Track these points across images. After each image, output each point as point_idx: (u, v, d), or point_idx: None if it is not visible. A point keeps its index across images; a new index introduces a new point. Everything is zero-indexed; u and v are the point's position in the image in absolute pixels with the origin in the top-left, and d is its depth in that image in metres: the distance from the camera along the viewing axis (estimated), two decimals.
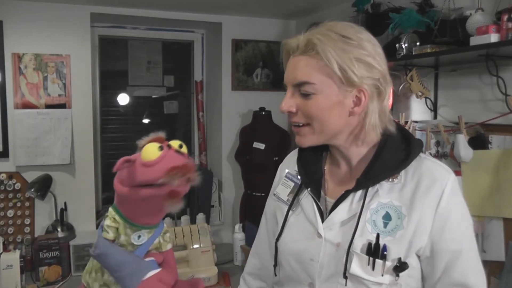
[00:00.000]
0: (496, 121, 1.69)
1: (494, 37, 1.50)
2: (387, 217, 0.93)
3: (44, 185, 2.48)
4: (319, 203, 1.00)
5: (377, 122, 0.95)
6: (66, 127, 2.61)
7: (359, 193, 0.95)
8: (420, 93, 1.92)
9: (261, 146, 2.82)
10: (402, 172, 0.95)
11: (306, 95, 0.93)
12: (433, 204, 0.91)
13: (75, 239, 2.42)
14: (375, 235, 0.91)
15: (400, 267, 0.89)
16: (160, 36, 3.12)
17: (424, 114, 2.06)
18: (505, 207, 1.62)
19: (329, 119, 0.93)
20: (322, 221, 0.98)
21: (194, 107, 3.25)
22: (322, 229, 0.97)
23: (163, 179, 0.81)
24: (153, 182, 0.83)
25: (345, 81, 0.90)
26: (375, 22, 2.03)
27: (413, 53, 1.79)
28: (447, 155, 1.84)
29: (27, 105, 2.54)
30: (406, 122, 1.97)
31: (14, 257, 2.06)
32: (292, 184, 1.08)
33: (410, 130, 1.94)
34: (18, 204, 2.53)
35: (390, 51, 1.85)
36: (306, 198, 1.03)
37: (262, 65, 3.08)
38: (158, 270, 0.91)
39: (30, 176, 2.53)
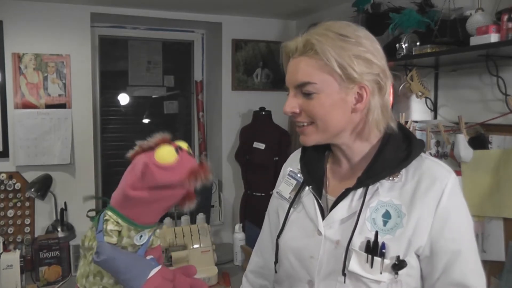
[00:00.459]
0: (496, 121, 1.69)
1: (494, 37, 1.50)
2: (387, 216, 0.93)
3: (44, 185, 2.48)
4: (320, 201, 1.01)
5: (380, 117, 0.96)
6: (66, 127, 2.61)
7: (360, 191, 0.96)
8: (420, 93, 1.92)
9: (261, 146, 2.82)
10: (403, 171, 0.96)
11: (308, 95, 0.94)
12: (433, 203, 0.91)
13: (75, 239, 2.42)
14: (374, 233, 0.92)
15: (399, 265, 0.90)
16: (160, 36, 3.12)
17: (424, 114, 2.06)
18: (505, 207, 1.62)
19: (332, 117, 0.94)
20: (323, 219, 0.99)
21: (194, 107, 3.25)
22: (322, 227, 0.98)
23: (185, 181, 0.84)
24: (175, 184, 0.85)
25: (345, 78, 0.91)
26: (375, 22, 2.03)
27: (413, 53, 1.79)
28: (447, 155, 1.84)
29: (27, 105, 2.54)
30: (406, 122, 1.97)
31: (14, 257, 2.06)
32: (295, 182, 1.09)
33: (410, 130, 1.95)
34: (18, 204, 2.53)
35: (390, 51, 1.85)
36: (308, 196, 1.04)
37: (262, 65, 3.08)
38: (159, 267, 0.91)
39: (30, 176, 2.53)
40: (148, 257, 0.94)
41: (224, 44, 2.99)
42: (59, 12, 2.58)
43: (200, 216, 2.64)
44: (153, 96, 3.26)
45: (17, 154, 2.52)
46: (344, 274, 0.92)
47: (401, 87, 1.99)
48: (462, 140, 1.70)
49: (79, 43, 2.64)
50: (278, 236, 1.07)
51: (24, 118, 2.53)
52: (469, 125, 1.75)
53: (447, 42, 1.71)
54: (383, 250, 0.90)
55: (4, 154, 2.52)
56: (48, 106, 2.58)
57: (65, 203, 2.58)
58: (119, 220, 0.90)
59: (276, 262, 1.07)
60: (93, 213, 0.97)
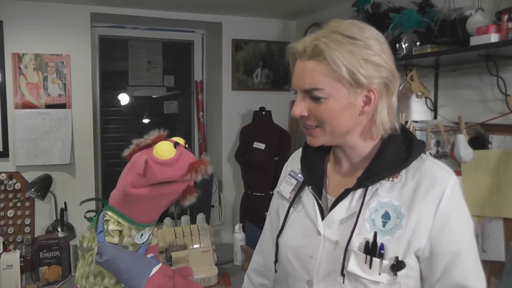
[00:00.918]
0: (496, 121, 1.69)
1: (494, 37, 1.50)
2: (386, 216, 0.93)
3: (44, 185, 2.48)
4: (319, 201, 1.01)
5: (386, 118, 0.96)
6: (66, 127, 2.61)
7: (359, 191, 0.96)
8: (420, 93, 1.92)
9: (261, 146, 2.82)
10: (403, 172, 0.95)
11: (317, 99, 0.93)
12: (433, 205, 0.91)
13: (75, 239, 2.43)
14: (373, 234, 0.92)
15: (397, 266, 0.90)
16: (160, 36, 3.12)
17: (424, 114, 2.06)
18: (505, 207, 1.62)
19: (340, 121, 0.94)
20: (322, 219, 0.99)
21: (194, 107, 3.25)
22: (322, 227, 0.98)
23: (186, 176, 0.85)
24: (176, 179, 0.85)
25: (354, 84, 0.91)
26: (375, 22, 2.02)
27: (413, 53, 1.79)
28: (447, 155, 1.84)
29: (27, 105, 2.54)
30: (406, 122, 1.97)
31: (14, 257, 2.06)
32: (295, 182, 1.10)
33: (410, 130, 1.94)
34: (18, 204, 2.53)
35: None
36: (308, 195, 1.04)
37: (262, 65, 3.08)
38: (160, 264, 0.92)
39: (30, 176, 2.53)
40: (149, 255, 0.95)
41: (224, 44, 2.99)
42: (59, 12, 2.58)
43: (200, 216, 2.64)
44: (153, 96, 3.25)
45: (17, 154, 2.52)
46: (343, 275, 0.92)
47: (401, 87, 1.99)
48: (462, 140, 1.70)
49: (79, 43, 2.64)
50: (278, 236, 1.07)
51: (24, 118, 2.53)
52: (469, 125, 1.75)
53: (447, 42, 1.71)
54: (382, 251, 0.90)
55: (4, 154, 2.52)
56: (48, 106, 2.58)
57: (65, 203, 2.58)
58: (120, 220, 0.90)
59: (276, 261, 1.08)
60: (91, 214, 0.97)
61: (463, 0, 1.79)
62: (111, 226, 0.90)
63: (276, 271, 1.09)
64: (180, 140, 0.90)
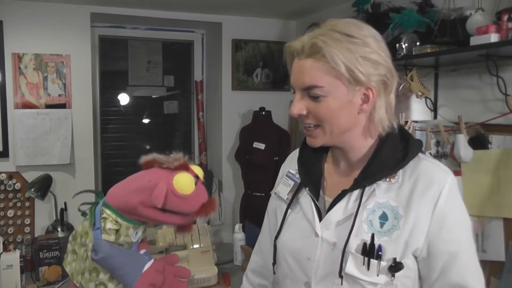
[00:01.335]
0: (496, 121, 1.69)
1: (494, 37, 1.50)
2: (383, 217, 0.93)
3: (44, 185, 2.48)
4: (317, 203, 1.00)
5: (384, 116, 0.96)
6: (66, 127, 2.61)
7: (356, 192, 0.96)
8: (420, 93, 1.92)
9: (261, 146, 2.81)
10: (400, 172, 0.95)
11: (315, 98, 0.93)
12: (430, 205, 0.91)
13: None
14: (370, 235, 0.92)
15: (395, 267, 0.89)
16: (160, 36, 3.12)
17: (424, 114, 2.06)
18: (505, 207, 1.62)
19: (339, 119, 0.94)
20: (320, 220, 0.98)
21: (194, 107, 3.25)
22: (319, 228, 0.98)
23: (196, 215, 0.88)
24: (186, 213, 0.89)
25: (353, 81, 0.91)
26: (375, 22, 2.02)
27: (413, 53, 1.79)
28: (447, 155, 1.84)
29: (27, 105, 2.54)
30: (406, 122, 1.97)
31: (14, 257, 2.06)
32: (292, 183, 1.09)
33: (410, 130, 1.94)
34: (18, 204, 2.53)
35: (390, 51, 1.85)
36: (305, 197, 1.04)
37: (262, 65, 3.08)
38: (152, 260, 0.94)
39: (30, 176, 2.53)
40: (141, 251, 0.96)
41: (224, 44, 2.99)
42: (59, 12, 2.58)
43: None
44: (153, 96, 3.25)
45: (17, 154, 2.52)
46: (340, 276, 0.92)
47: (401, 87, 1.99)
48: (462, 140, 1.70)
49: (79, 43, 2.64)
50: (276, 237, 1.07)
51: (24, 118, 2.53)
52: (469, 125, 1.75)
53: (447, 42, 1.71)
54: (380, 253, 0.90)
55: (4, 154, 2.52)
56: (48, 106, 2.58)
57: (65, 203, 2.58)
58: (118, 219, 0.91)
59: (274, 263, 1.08)
60: (85, 207, 0.97)
61: (463, 0, 1.79)
62: (109, 225, 0.90)
63: (274, 273, 1.09)
64: (200, 173, 0.91)
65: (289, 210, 1.07)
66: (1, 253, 2.09)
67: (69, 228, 2.55)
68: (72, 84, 2.63)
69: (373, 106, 0.94)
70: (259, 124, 2.88)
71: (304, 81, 0.93)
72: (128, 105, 3.17)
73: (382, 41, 0.95)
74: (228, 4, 2.69)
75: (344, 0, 2.42)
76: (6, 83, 2.50)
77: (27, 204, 2.55)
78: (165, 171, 0.88)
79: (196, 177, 0.89)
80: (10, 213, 2.49)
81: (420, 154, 0.98)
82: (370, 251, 0.90)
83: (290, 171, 1.11)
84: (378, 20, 2.01)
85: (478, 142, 1.70)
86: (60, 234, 2.44)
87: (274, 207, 1.14)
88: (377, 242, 0.91)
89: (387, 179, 0.95)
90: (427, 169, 0.94)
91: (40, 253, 2.20)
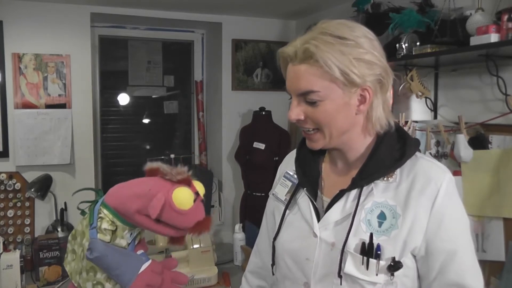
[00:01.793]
0: (496, 121, 1.69)
1: (494, 37, 1.50)
2: (382, 217, 0.93)
3: (44, 185, 2.48)
4: (315, 203, 1.00)
5: (382, 114, 0.96)
6: (66, 127, 2.61)
7: (354, 192, 0.96)
8: (420, 93, 1.92)
9: (261, 146, 2.81)
10: (397, 171, 0.95)
11: (312, 103, 0.93)
12: (428, 204, 0.91)
13: None
14: (369, 234, 0.92)
15: (394, 266, 0.89)
16: (160, 36, 3.12)
17: (424, 114, 2.06)
18: (505, 207, 1.62)
19: (337, 122, 0.94)
20: (318, 221, 0.98)
21: (194, 107, 3.25)
22: (318, 229, 0.98)
23: (189, 232, 0.89)
24: (180, 228, 0.89)
25: (348, 83, 0.91)
26: (375, 22, 2.03)
27: (413, 53, 1.79)
28: (447, 155, 1.84)
29: (27, 105, 2.54)
30: (406, 122, 1.97)
31: (14, 257, 2.06)
32: (290, 184, 1.09)
33: (410, 130, 1.94)
34: (18, 204, 2.53)
35: (390, 51, 1.85)
36: (303, 197, 1.04)
37: (262, 65, 3.08)
38: (150, 261, 0.94)
39: (30, 176, 2.53)
40: (139, 252, 0.96)
41: (224, 44, 2.99)
42: (59, 12, 2.58)
43: None
44: (153, 96, 3.26)
45: (17, 154, 2.52)
46: (340, 276, 0.92)
47: (401, 87, 1.99)
48: (462, 140, 1.70)
49: (79, 43, 2.64)
50: (275, 239, 1.07)
51: (24, 118, 2.53)
52: (469, 125, 1.75)
53: (447, 42, 1.71)
54: (378, 252, 0.90)
55: (4, 154, 2.52)
56: (48, 106, 2.58)
57: (65, 203, 2.58)
58: (115, 220, 0.91)
59: (272, 264, 1.08)
60: (84, 205, 0.97)
61: (463, 0, 1.79)
62: (105, 225, 0.90)
63: (273, 274, 1.09)
64: (201, 190, 0.91)
65: (287, 211, 1.07)
66: (1, 253, 2.09)
67: (69, 228, 2.55)
68: (72, 84, 2.63)
69: (370, 106, 0.94)
70: (259, 124, 2.88)
71: (300, 86, 0.93)
72: (128, 105, 3.17)
73: (375, 39, 0.95)
74: (228, 4, 2.69)
75: (344, 0, 2.42)
76: (6, 83, 2.50)
77: (27, 204, 2.55)
78: (167, 183, 0.88)
79: (197, 193, 0.89)
80: (10, 213, 2.49)
81: (417, 153, 0.98)
82: (369, 251, 0.90)
83: (288, 172, 1.11)
84: (378, 20, 2.01)
85: (478, 142, 1.70)
86: (60, 234, 2.44)
87: (272, 208, 1.14)
88: (375, 241, 0.91)
89: (385, 178, 0.95)
90: (425, 168, 0.95)
91: (40, 253, 2.20)
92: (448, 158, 1.83)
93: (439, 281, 0.91)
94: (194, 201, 0.88)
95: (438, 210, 0.91)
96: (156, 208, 0.85)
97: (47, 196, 2.51)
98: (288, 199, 1.07)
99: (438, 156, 1.87)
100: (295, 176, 1.08)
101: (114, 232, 0.91)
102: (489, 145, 1.69)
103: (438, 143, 1.88)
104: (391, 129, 0.98)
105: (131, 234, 0.94)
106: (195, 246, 2.17)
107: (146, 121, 3.26)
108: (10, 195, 2.50)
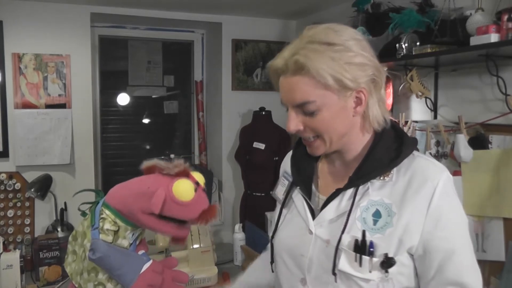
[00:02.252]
0: (496, 121, 1.69)
1: (494, 37, 1.50)
2: (377, 215, 0.93)
3: (44, 185, 2.48)
4: (309, 201, 1.02)
5: (378, 111, 0.96)
6: (66, 127, 2.61)
7: (350, 191, 0.97)
8: (420, 93, 1.92)
9: (261, 146, 2.82)
10: (394, 170, 0.96)
11: (310, 113, 0.93)
12: (425, 203, 0.91)
13: None
14: (362, 232, 0.92)
15: (387, 263, 0.89)
16: (160, 36, 3.12)
17: (424, 114, 2.06)
18: (505, 207, 1.62)
19: (336, 127, 0.95)
20: (314, 218, 0.99)
21: (194, 107, 3.25)
22: (313, 226, 0.99)
23: (196, 222, 0.88)
24: (185, 221, 0.88)
25: (342, 89, 0.91)
26: (375, 22, 2.03)
27: (413, 53, 1.79)
28: (447, 155, 1.84)
29: (27, 105, 2.54)
30: (406, 122, 1.97)
31: (14, 257, 2.06)
32: (287, 183, 1.11)
33: (410, 130, 1.94)
34: (18, 204, 2.53)
35: (390, 51, 1.85)
36: (297, 196, 1.06)
37: (262, 65, 3.08)
38: (151, 261, 0.94)
39: (30, 176, 2.53)
40: (140, 252, 0.97)
41: (224, 44, 2.99)
42: (59, 12, 2.58)
43: None
44: (153, 96, 3.26)
45: (17, 154, 2.52)
46: (334, 274, 0.92)
47: (401, 87, 1.99)
48: (462, 140, 1.70)
49: (79, 43, 2.64)
50: (272, 237, 1.09)
51: (24, 118, 2.53)
52: (469, 125, 1.75)
53: (447, 42, 1.71)
54: (371, 249, 0.90)
55: (4, 154, 2.52)
56: (48, 106, 2.58)
57: (65, 203, 2.58)
58: (117, 220, 0.91)
59: (272, 261, 1.09)
60: (85, 207, 0.97)
61: (463, 0, 1.79)
62: (107, 225, 0.90)
63: (272, 271, 1.11)
64: (201, 180, 0.91)
65: (284, 210, 1.08)
66: (1, 253, 2.09)
67: (69, 228, 2.55)
68: (72, 84, 2.63)
69: (367, 105, 0.95)
70: (259, 124, 2.88)
71: (295, 98, 0.93)
72: (128, 105, 3.17)
73: (363, 39, 0.95)
74: (228, 4, 2.69)
75: (344, 0, 2.42)
76: (6, 83, 2.50)
77: (27, 204, 2.55)
78: (165, 178, 0.88)
79: (197, 183, 0.89)
80: (10, 213, 2.49)
81: (415, 152, 0.98)
82: (362, 248, 0.91)
83: (286, 171, 1.13)
84: (378, 20, 2.01)
85: (478, 142, 1.70)
86: (60, 234, 2.44)
87: (274, 208, 1.17)
88: (369, 239, 0.91)
89: (381, 178, 0.95)
90: (422, 167, 0.95)
91: (40, 253, 2.20)
92: (448, 158, 1.83)
93: (437, 280, 0.92)
94: (195, 191, 0.87)
95: (435, 209, 0.91)
96: (158, 204, 0.85)
97: (47, 196, 2.51)
98: (284, 197, 1.09)
99: (438, 156, 1.87)
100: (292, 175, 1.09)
101: (116, 232, 0.91)
102: (489, 145, 1.69)
103: (438, 143, 1.88)
104: (387, 125, 0.99)
105: (133, 234, 0.94)
106: (195, 246, 2.16)
107: (146, 121, 3.27)
108: (10, 195, 2.51)
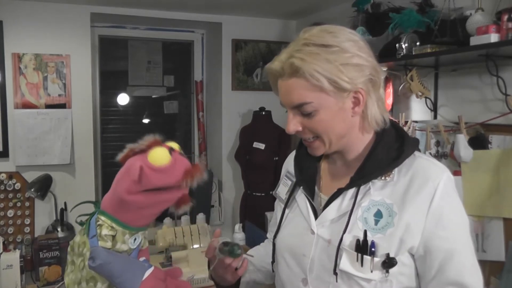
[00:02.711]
0: (496, 121, 1.69)
1: (494, 37, 1.50)
2: (378, 215, 0.93)
3: (44, 185, 2.48)
4: (312, 201, 1.02)
5: (377, 111, 0.96)
6: (66, 127, 2.61)
7: (351, 191, 0.97)
8: (420, 93, 1.92)
9: (261, 146, 2.82)
10: (395, 170, 0.96)
11: (308, 114, 0.94)
12: (426, 203, 0.91)
13: None
14: (363, 231, 0.92)
15: (389, 263, 0.90)
16: (160, 36, 3.12)
17: (424, 114, 2.06)
18: (505, 207, 1.62)
19: (335, 128, 0.95)
20: (316, 218, 1.00)
21: (194, 107, 3.25)
22: (315, 226, 0.99)
23: (182, 182, 0.85)
24: (171, 186, 0.85)
25: (338, 90, 0.91)
26: (375, 22, 2.03)
27: (413, 53, 1.79)
28: (447, 155, 1.84)
29: (27, 105, 2.54)
30: (406, 122, 1.97)
31: (14, 257, 2.06)
32: (290, 183, 1.11)
33: (410, 130, 1.94)
34: (18, 204, 2.53)
35: (390, 51, 1.85)
36: (300, 195, 1.06)
37: (262, 65, 3.08)
38: (152, 268, 0.93)
39: (30, 176, 2.53)
40: (141, 259, 0.95)
41: (224, 44, 2.99)
42: (59, 12, 2.58)
43: (200, 216, 2.64)
44: (153, 96, 3.26)
45: (17, 154, 2.52)
46: (335, 273, 0.92)
47: (401, 87, 1.99)
48: (462, 140, 1.70)
49: (79, 43, 2.64)
50: (275, 236, 1.09)
51: (24, 118, 2.53)
52: (469, 125, 1.75)
53: (447, 42, 1.71)
54: (373, 249, 0.90)
55: (4, 154, 2.52)
56: (48, 106, 2.58)
57: (65, 203, 2.58)
58: (114, 225, 0.90)
59: (273, 261, 1.09)
60: (82, 218, 0.96)
61: (463, 0, 1.79)
62: (105, 231, 0.89)
63: (273, 271, 1.11)
64: (175, 146, 0.90)
65: (287, 210, 1.08)
66: (1, 253, 2.09)
67: (69, 228, 2.55)
68: (72, 84, 2.63)
69: (365, 106, 0.95)
70: (259, 124, 2.88)
71: (293, 100, 0.94)
72: (128, 105, 3.17)
73: (360, 40, 0.95)
74: (228, 4, 2.69)
75: (344, 0, 2.42)
76: (6, 83, 2.50)
77: (27, 204, 2.55)
78: (140, 155, 0.87)
79: (172, 149, 0.88)
80: (10, 213, 2.49)
81: (416, 152, 0.98)
82: (363, 248, 0.91)
83: (289, 171, 1.13)
84: (378, 20, 2.01)
85: (478, 142, 1.70)
86: (60, 234, 2.44)
87: (276, 207, 1.17)
88: (371, 239, 0.91)
89: (382, 178, 0.95)
90: (422, 167, 0.95)
91: (40, 253, 2.20)
92: (448, 158, 1.83)
93: (438, 280, 0.92)
94: (171, 155, 0.86)
95: (435, 209, 0.91)
96: (135, 171, 0.83)
97: (47, 196, 2.51)
98: (287, 197, 1.09)
99: (438, 156, 1.87)
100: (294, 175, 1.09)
101: (114, 237, 0.90)
102: (489, 145, 1.69)
103: (438, 143, 1.88)
104: (386, 125, 0.99)
105: (134, 239, 0.93)
106: (195, 246, 2.16)
107: (146, 121, 3.27)
108: (10, 195, 2.51)
